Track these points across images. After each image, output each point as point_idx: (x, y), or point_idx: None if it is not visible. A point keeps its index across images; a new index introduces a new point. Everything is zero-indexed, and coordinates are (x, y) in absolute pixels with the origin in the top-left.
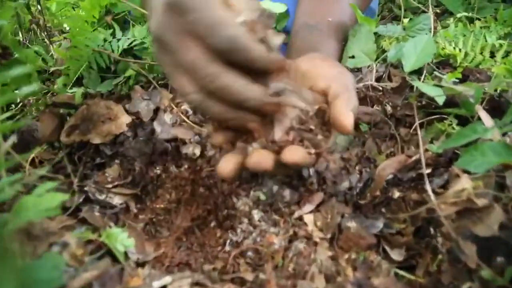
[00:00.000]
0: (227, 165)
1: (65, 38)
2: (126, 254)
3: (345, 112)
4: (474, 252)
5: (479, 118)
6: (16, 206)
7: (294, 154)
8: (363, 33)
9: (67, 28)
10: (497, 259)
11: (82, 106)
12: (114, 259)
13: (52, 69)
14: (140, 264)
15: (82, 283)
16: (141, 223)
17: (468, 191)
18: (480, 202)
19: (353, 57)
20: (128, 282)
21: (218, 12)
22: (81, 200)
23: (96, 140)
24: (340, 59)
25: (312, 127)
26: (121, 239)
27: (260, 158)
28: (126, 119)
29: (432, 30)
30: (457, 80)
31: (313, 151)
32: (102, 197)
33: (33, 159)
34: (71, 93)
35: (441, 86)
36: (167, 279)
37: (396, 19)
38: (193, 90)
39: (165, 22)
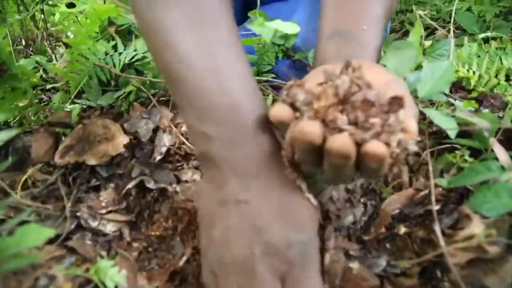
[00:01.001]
0: (282, 111)
1: (66, 46)
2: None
3: (409, 118)
4: None
5: (493, 150)
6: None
7: (380, 147)
8: (406, 54)
9: (70, 35)
10: None
11: (78, 126)
12: None
13: (51, 85)
14: None
15: None
16: (134, 252)
17: (479, 238)
18: (492, 250)
19: (384, 65)
20: None
21: None
22: (72, 226)
23: (92, 162)
24: None
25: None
26: (111, 275)
27: (347, 141)
28: (123, 139)
29: (452, 55)
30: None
31: (397, 150)
32: (94, 223)
33: (26, 179)
34: (69, 109)
35: (453, 116)
36: None
37: (407, 34)
38: None
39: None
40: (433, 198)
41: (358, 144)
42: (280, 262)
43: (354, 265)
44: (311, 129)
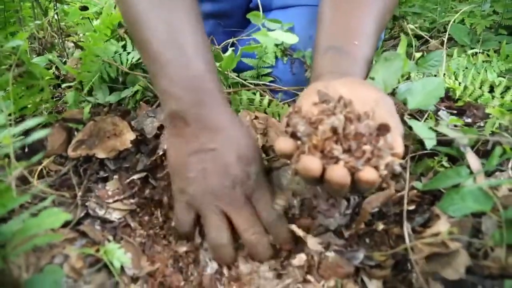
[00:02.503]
0: (287, 144)
1: (77, 46)
2: (122, 268)
3: (396, 138)
4: None
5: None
6: (23, 227)
7: (371, 174)
8: (394, 65)
9: (81, 34)
10: None
11: (90, 122)
12: (111, 272)
13: (65, 84)
14: (134, 279)
15: None
16: (138, 238)
17: (443, 235)
18: (453, 246)
19: (373, 78)
20: None
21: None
22: (83, 214)
23: (101, 155)
24: None
25: (380, 146)
26: (118, 256)
27: (343, 173)
28: (130, 135)
29: (443, 68)
30: (455, 112)
31: (384, 172)
32: (101, 212)
33: (41, 169)
34: (82, 107)
35: (435, 130)
36: None
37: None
38: None
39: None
40: (405, 200)
41: (353, 172)
42: (245, 188)
43: (331, 254)
44: (312, 165)
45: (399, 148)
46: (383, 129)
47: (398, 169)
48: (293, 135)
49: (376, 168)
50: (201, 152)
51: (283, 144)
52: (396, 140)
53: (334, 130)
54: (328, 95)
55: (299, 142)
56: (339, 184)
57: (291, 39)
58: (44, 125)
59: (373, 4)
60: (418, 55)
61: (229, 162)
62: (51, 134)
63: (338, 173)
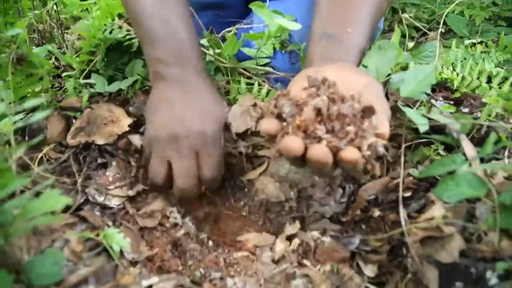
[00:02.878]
0: (271, 125)
1: (79, 38)
2: (121, 252)
3: (382, 120)
4: (436, 276)
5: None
6: (24, 209)
7: (353, 153)
8: (388, 54)
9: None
10: (456, 285)
11: (87, 110)
12: (110, 256)
13: (64, 73)
14: (133, 263)
15: (79, 278)
16: (137, 223)
17: (438, 219)
18: (448, 230)
19: (365, 67)
20: (120, 279)
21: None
22: (82, 200)
23: (100, 141)
24: None
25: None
26: (117, 240)
27: (324, 151)
28: (127, 121)
29: (437, 59)
30: (452, 102)
31: (367, 153)
32: (101, 198)
33: (41, 157)
34: (80, 96)
35: (427, 117)
36: (154, 279)
37: (401, 35)
38: None
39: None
40: (400, 186)
41: (336, 151)
42: (194, 142)
43: (327, 239)
44: (293, 145)
45: (384, 129)
46: (367, 111)
47: (381, 150)
48: (279, 117)
49: (359, 148)
50: (169, 102)
51: (267, 124)
52: (382, 122)
53: (317, 111)
54: (317, 80)
55: (284, 124)
56: (320, 162)
57: (294, 26)
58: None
59: None
60: (411, 45)
61: (187, 115)
62: (50, 122)
63: (319, 151)
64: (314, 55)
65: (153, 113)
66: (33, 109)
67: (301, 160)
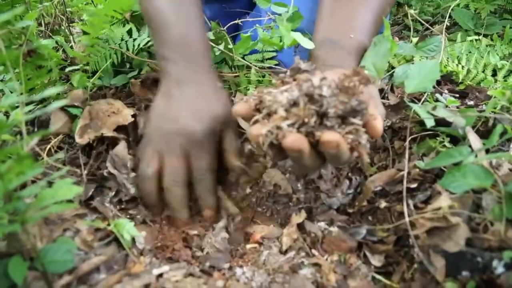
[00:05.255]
0: (243, 107)
1: (84, 32)
2: (133, 240)
3: (376, 115)
4: (442, 265)
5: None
6: (37, 197)
7: (334, 135)
8: (382, 49)
9: (85, 18)
10: (462, 273)
11: (86, 108)
12: (120, 245)
13: (71, 67)
14: (143, 252)
15: (91, 267)
16: (148, 215)
17: (444, 209)
18: (454, 220)
19: (363, 67)
20: (131, 268)
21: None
22: (91, 192)
23: (109, 133)
24: None
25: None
26: (128, 229)
27: (298, 138)
28: (129, 111)
29: (442, 53)
30: (457, 95)
31: (350, 138)
32: (112, 192)
33: (49, 148)
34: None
35: (432, 113)
36: (164, 268)
37: (406, 29)
38: None
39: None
40: (405, 178)
41: (315, 139)
42: (186, 142)
43: (334, 230)
44: (256, 131)
45: (377, 125)
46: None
47: (363, 141)
48: (257, 108)
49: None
50: (169, 99)
51: (240, 107)
52: (375, 118)
53: (291, 103)
54: (288, 77)
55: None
56: (294, 149)
57: (309, 44)
58: None
59: None
60: (415, 40)
61: (183, 115)
62: (53, 116)
63: (292, 138)
64: (315, 60)
65: (154, 107)
66: (42, 101)
67: (280, 152)
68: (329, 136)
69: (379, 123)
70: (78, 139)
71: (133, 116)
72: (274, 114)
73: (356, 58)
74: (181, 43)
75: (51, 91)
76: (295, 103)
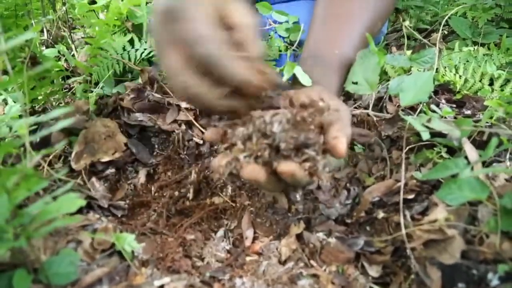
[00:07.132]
0: (212, 133)
1: (86, 43)
2: (133, 253)
3: (339, 137)
4: (438, 277)
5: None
6: (41, 210)
7: (289, 165)
8: (371, 63)
9: (87, 29)
10: (458, 285)
11: (82, 131)
12: (122, 257)
13: (74, 78)
14: (144, 264)
15: (94, 278)
16: (148, 225)
17: (441, 221)
18: (450, 232)
19: (356, 83)
20: (133, 279)
21: (202, 27)
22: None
23: (106, 158)
24: (340, 92)
25: (311, 141)
26: (129, 241)
27: (253, 170)
28: (122, 138)
29: (436, 64)
30: (454, 105)
31: (307, 166)
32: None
33: (50, 161)
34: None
35: (428, 125)
36: (166, 279)
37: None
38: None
39: (157, 27)
40: (401, 189)
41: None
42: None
43: (332, 240)
44: (217, 163)
45: (340, 146)
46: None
47: (320, 167)
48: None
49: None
50: None
51: (211, 133)
52: (338, 138)
53: (245, 138)
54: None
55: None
56: (250, 179)
57: (306, 81)
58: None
59: (365, 13)
60: (409, 52)
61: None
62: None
63: (246, 170)
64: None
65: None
66: (43, 110)
67: (240, 179)
68: (283, 167)
69: (341, 145)
70: (74, 165)
71: (125, 144)
72: (234, 146)
73: (340, 73)
74: None
75: (57, 112)
76: (249, 138)
